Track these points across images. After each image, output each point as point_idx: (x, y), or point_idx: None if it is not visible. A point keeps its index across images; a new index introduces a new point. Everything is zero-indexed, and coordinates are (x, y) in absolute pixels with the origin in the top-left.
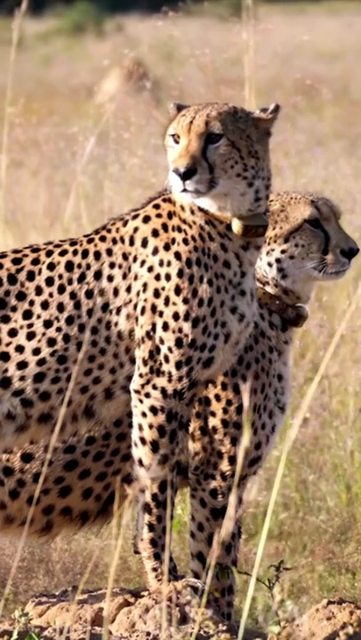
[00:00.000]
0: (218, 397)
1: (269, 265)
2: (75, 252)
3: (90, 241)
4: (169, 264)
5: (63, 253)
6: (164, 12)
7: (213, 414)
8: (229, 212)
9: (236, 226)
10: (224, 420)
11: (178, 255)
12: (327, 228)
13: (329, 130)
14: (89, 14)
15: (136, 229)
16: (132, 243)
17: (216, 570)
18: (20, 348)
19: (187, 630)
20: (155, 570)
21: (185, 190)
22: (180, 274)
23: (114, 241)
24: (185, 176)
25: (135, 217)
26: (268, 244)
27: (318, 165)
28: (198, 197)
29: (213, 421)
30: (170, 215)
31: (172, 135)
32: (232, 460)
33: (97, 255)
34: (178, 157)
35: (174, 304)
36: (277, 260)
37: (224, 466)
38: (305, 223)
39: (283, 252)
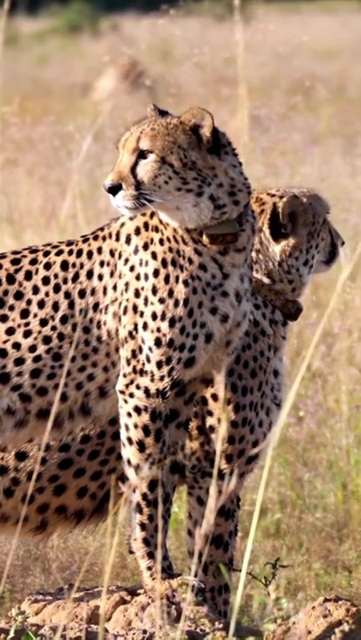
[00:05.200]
0: (215, 397)
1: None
2: (70, 252)
3: (85, 241)
4: (147, 264)
5: (59, 253)
6: (164, 10)
7: (211, 414)
8: (190, 224)
9: (203, 235)
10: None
11: (154, 255)
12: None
13: (325, 128)
14: (84, 14)
15: (122, 225)
16: (117, 238)
17: (213, 567)
18: (16, 345)
19: (183, 628)
20: (149, 569)
21: (117, 205)
22: (157, 274)
23: (104, 238)
24: (110, 191)
25: None
26: None
27: (314, 164)
28: (131, 212)
29: (211, 420)
30: (152, 214)
31: (118, 149)
32: (229, 459)
33: (89, 254)
34: (109, 173)
35: (152, 304)
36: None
37: (221, 464)
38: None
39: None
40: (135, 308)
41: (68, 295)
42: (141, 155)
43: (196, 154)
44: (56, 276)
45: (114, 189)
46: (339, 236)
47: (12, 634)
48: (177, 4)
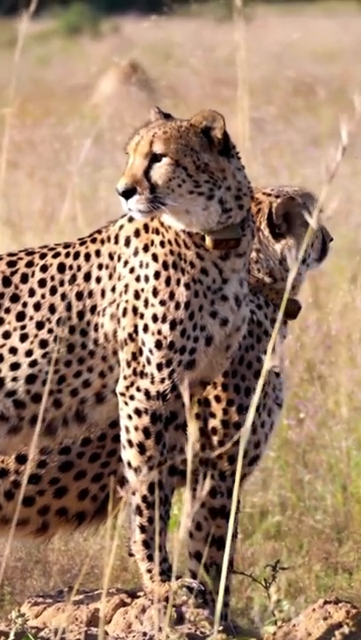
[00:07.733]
0: (218, 399)
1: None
2: (67, 254)
3: (82, 243)
4: (147, 266)
5: (56, 255)
6: (164, 12)
7: (213, 415)
8: (197, 227)
9: (207, 240)
10: (224, 421)
11: (155, 257)
12: None
13: (325, 130)
14: (85, 15)
15: (121, 227)
16: (116, 241)
17: (213, 570)
18: (13, 350)
19: (183, 631)
20: (149, 571)
21: (130, 209)
22: (157, 276)
23: (102, 241)
24: (124, 195)
25: (124, 215)
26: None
27: (315, 165)
28: (144, 216)
29: (213, 422)
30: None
31: (127, 154)
32: (231, 460)
33: (87, 257)
34: (121, 177)
35: (152, 306)
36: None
37: (223, 466)
38: None
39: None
40: (135, 309)
41: (64, 297)
42: (155, 158)
43: (209, 156)
44: (53, 278)
45: (128, 193)
46: (328, 234)
47: (12, 636)
48: (178, 5)
